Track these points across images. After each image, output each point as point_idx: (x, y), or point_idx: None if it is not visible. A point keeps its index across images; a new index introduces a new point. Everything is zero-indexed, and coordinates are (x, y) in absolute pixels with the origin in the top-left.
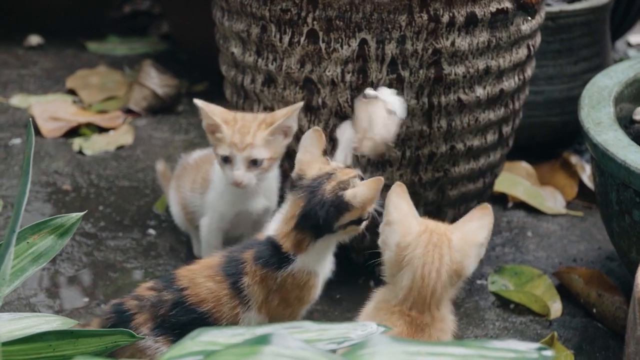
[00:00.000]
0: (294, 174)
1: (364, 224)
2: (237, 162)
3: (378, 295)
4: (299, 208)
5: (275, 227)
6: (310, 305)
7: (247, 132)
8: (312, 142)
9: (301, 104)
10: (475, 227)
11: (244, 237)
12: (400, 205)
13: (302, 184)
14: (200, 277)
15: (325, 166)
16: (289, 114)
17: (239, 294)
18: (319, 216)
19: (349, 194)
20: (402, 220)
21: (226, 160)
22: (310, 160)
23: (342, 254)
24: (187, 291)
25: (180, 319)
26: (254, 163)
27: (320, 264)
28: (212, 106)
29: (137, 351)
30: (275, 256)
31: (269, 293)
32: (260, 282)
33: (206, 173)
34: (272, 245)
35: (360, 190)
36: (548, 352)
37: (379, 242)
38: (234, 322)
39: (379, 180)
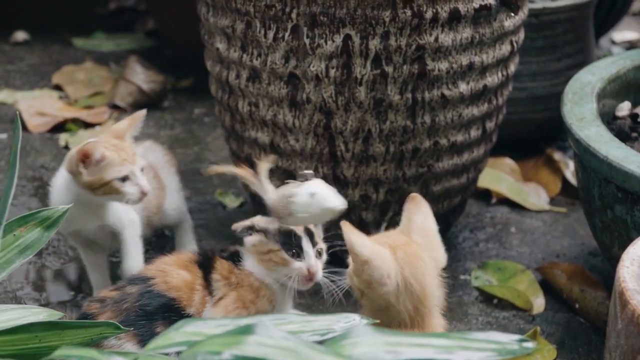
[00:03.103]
0: None
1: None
2: (136, 175)
3: None
4: None
5: None
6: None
7: (122, 147)
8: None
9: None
10: (422, 219)
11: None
12: (362, 242)
13: None
14: (169, 266)
15: None
16: (133, 124)
17: (209, 286)
18: None
19: None
20: (375, 254)
21: (125, 179)
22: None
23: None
24: (153, 280)
25: (147, 308)
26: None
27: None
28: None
29: None
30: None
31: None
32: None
33: None
34: None
35: None
36: (529, 344)
37: (355, 285)
38: (199, 312)
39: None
